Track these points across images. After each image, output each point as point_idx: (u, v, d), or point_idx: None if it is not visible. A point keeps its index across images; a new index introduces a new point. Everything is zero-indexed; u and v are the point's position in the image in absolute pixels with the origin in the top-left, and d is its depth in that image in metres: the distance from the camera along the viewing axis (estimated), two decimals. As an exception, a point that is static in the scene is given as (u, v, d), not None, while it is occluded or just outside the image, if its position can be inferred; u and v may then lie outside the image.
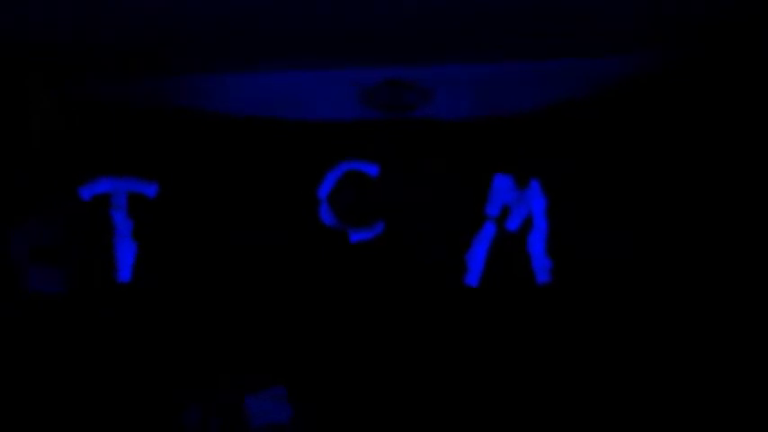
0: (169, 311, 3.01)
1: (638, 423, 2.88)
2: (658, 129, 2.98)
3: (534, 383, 2.96)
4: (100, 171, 3.01)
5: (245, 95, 3.19)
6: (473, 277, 2.98)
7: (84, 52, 2.94)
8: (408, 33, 2.86)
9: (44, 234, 3.00)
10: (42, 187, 3.02)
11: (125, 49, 2.93)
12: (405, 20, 2.71)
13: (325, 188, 3.05)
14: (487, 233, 3.00)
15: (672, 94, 2.98)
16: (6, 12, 2.52)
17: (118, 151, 3.04)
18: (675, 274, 2.91)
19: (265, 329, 3.04)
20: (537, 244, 2.96)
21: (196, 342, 3.01)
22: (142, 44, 2.90)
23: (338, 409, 2.99)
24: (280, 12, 2.60)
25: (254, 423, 2.96)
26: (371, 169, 3.05)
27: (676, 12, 2.67)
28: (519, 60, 3.14)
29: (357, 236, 3.02)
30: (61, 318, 2.98)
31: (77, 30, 2.71)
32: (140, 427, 2.95)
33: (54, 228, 3.00)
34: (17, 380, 2.93)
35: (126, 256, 2.94)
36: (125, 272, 2.95)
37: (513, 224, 2.99)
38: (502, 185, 3.00)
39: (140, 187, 3.00)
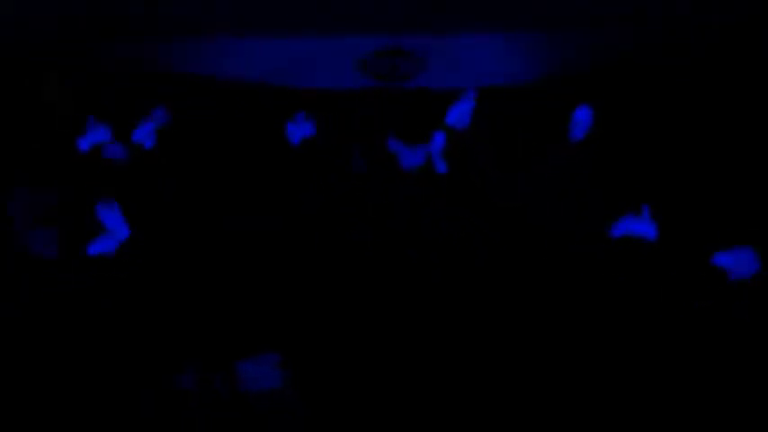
0: (164, 271, 3.02)
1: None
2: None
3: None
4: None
5: (242, 62, 3.22)
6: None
7: (81, 18, 2.96)
8: (406, 2, 2.90)
9: (42, 197, 3.01)
10: (39, 151, 3.03)
11: (124, 13, 2.95)
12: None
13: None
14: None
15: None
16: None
17: (115, 113, 3.05)
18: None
19: (259, 293, 3.05)
20: None
21: (191, 305, 3.02)
22: (142, 8, 2.91)
23: (332, 377, 3.01)
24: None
25: (247, 388, 2.97)
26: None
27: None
28: (513, 32, 3.17)
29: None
30: (60, 277, 2.99)
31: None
32: (135, 389, 2.96)
33: (51, 190, 3.01)
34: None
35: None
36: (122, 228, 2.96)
37: None
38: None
39: (138, 137, 3.01)
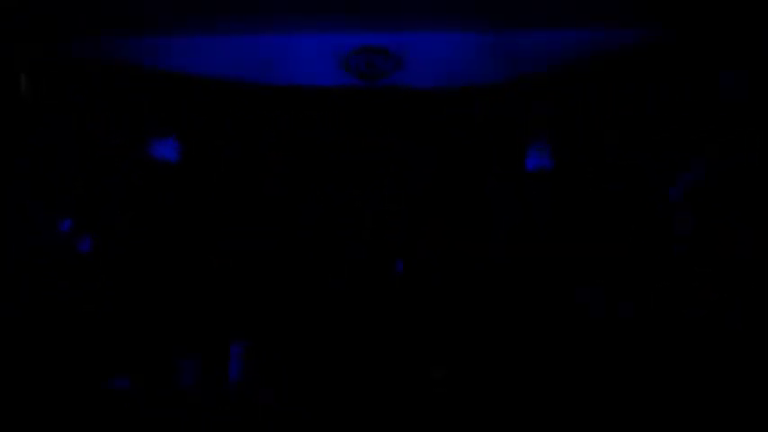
0: (163, 279, 3.07)
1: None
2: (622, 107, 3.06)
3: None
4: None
5: (222, 58, 3.25)
6: None
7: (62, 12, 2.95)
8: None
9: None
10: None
11: (103, 8, 2.94)
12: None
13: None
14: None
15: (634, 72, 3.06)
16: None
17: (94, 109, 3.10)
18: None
19: (256, 303, 3.10)
20: None
21: (190, 313, 3.07)
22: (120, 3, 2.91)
23: (329, 384, 3.04)
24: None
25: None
26: None
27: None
28: (491, 30, 3.23)
29: None
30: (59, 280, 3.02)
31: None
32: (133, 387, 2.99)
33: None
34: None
35: None
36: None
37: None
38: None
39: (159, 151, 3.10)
